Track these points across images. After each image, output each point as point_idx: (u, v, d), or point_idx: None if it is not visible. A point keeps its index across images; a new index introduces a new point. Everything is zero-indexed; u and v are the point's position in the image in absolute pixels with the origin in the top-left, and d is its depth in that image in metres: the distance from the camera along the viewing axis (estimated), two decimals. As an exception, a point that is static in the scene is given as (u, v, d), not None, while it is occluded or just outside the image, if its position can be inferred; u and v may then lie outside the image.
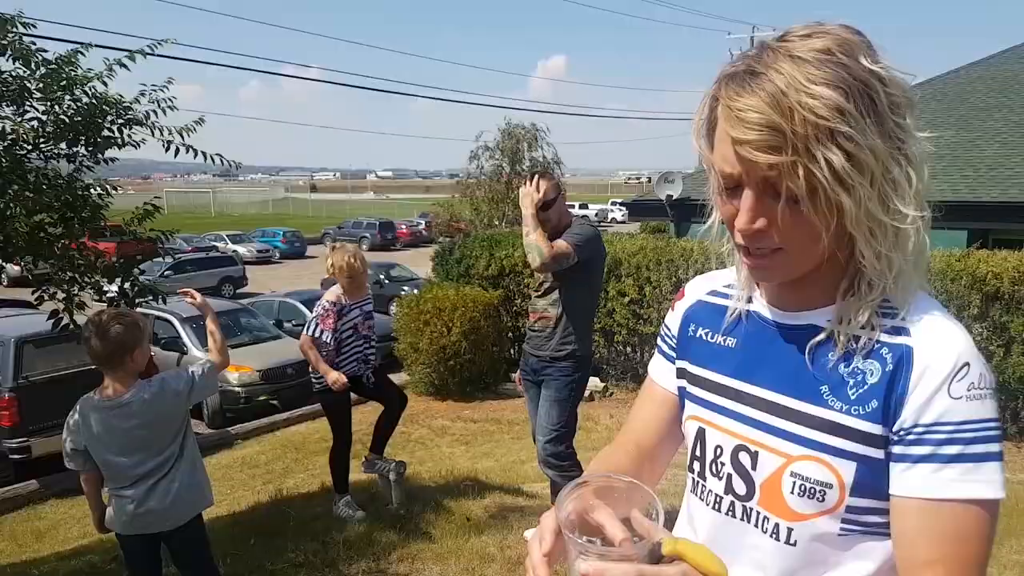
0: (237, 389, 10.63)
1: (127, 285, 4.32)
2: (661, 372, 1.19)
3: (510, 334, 10.13)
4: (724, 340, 1.07)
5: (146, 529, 2.92)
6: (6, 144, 3.86)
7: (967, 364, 0.86)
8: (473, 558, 3.93)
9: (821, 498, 0.91)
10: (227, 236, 34.42)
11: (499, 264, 9.97)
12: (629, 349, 9.47)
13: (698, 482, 1.06)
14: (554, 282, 3.82)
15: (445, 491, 5.25)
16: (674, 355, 1.16)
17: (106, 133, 4.18)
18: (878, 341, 0.91)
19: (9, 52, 3.80)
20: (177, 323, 11.38)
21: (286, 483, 6.29)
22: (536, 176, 3.73)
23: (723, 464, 1.02)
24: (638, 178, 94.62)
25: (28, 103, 3.98)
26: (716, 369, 1.06)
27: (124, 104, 4.19)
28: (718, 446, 1.02)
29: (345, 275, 4.53)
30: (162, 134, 4.36)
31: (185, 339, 11.23)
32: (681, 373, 1.13)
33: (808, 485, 0.92)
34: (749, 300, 1.06)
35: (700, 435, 1.06)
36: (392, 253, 32.42)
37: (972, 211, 9.28)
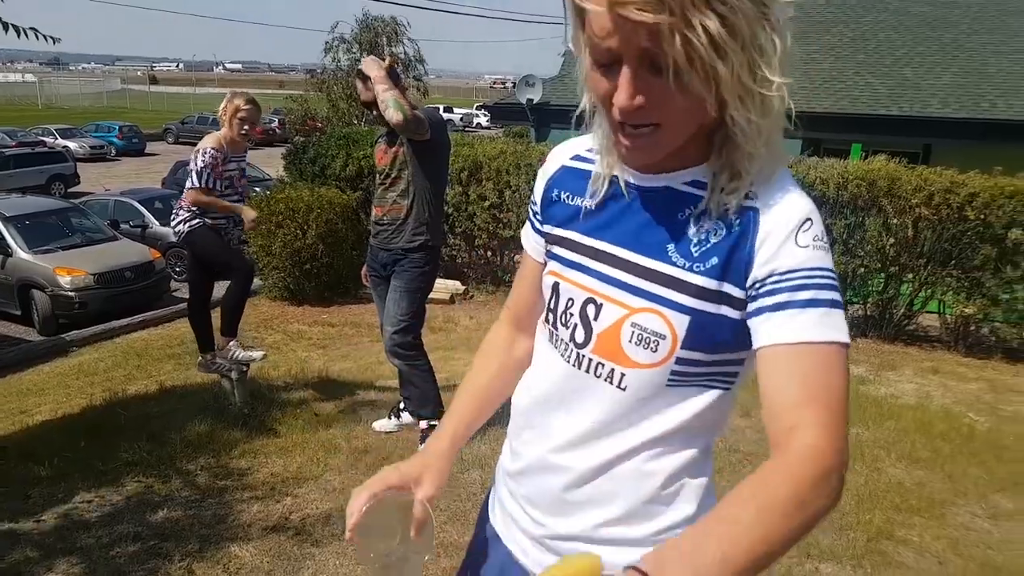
0: (70, 294, 9.94)
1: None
2: (529, 243, 1.23)
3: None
4: (583, 201, 1.09)
5: None
6: None
7: (809, 219, 0.92)
8: (319, 450, 3.97)
9: (654, 348, 0.97)
10: (56, 130, 31.59)
11: (357, 164, 9.67)
12: (489, 253, 9.56)
13: (552, 332, 1.12)
14: (402, 172, 3.82)
15: (294, 389, 5.21)
16: (539, 223, 1.19)
17: None
18: (727, 205, 0.94)
19: None
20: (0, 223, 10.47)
21: (127, 390, 6.04)
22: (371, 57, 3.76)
23: (572, 315, 1.07)
24: (504, 83, 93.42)
25: None
26: (575, 228, 1.10)
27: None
28: (570, 299, 1.07)
29: (233, 119, 4.38)
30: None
31: (9, 240, 10.35)
32: (547, 237, 1.16)
33: (644, 335, 0.98)
34: (610, 163, 1.07)
35: (555, 288, 1.11)
36: (243, 152, 30.78)
37: (806, 121, 9.74)
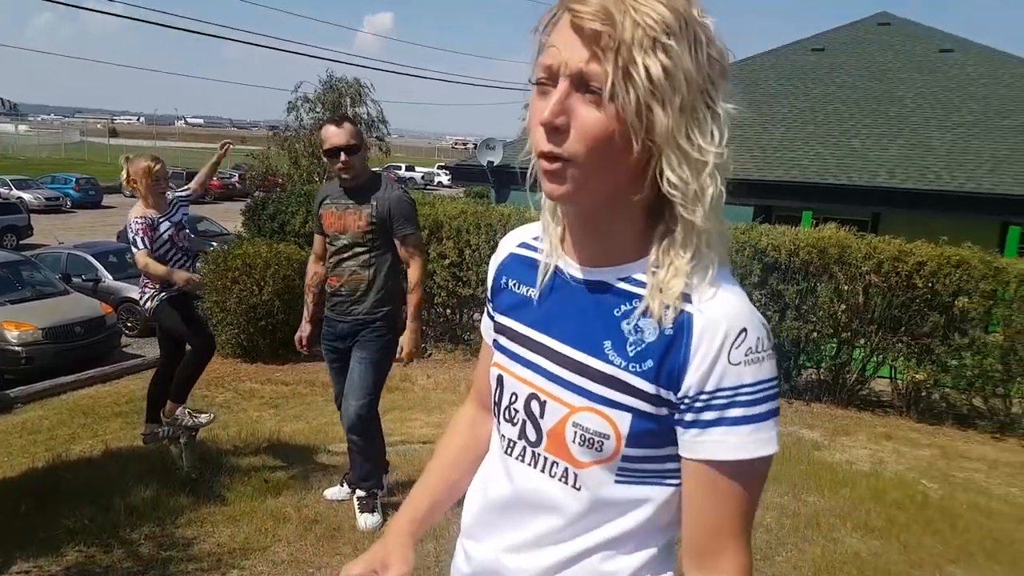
0: (17, 349, 9.66)
1: None
2: (485, 331, 1.23)
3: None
4: (528, 291, 1.09)
5: None
6: None
7: (744, 330, 0.90)
8: (267, 519, 3.83)
9: (599, 448, 0.95)
10: (11, 181, 31.06)
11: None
12: (448, 311, 9.57)
13: (496, 426, 1.11)
14: (365, 242, 3.71)
15: (244, 454, 5.06)
16: (492, 310, 1.19)
17: None
18: (665, 305, 0.93)
19: None
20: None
21: (71, 450, 5.83)
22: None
23: (517, 411, 1.05)
24: (465, 143, 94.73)
25: None
26: (518, 319, 1.09)
27: None
28: (514, 393, 1.06)
29: (149, 181, 4.26)
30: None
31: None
32: (495, 325, 1.16)
33: (587, 435, 0.96)
34: (555, 255, 1.06)
35: (500, 381, 1.09)
36: (201, 206, 30.45)
37: (758, 189, 10.11)
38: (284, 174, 22.70)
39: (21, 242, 21.66)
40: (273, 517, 3.87)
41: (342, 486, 4.18)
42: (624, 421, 0.94)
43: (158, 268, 4.22)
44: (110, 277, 13.26)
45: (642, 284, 0.96)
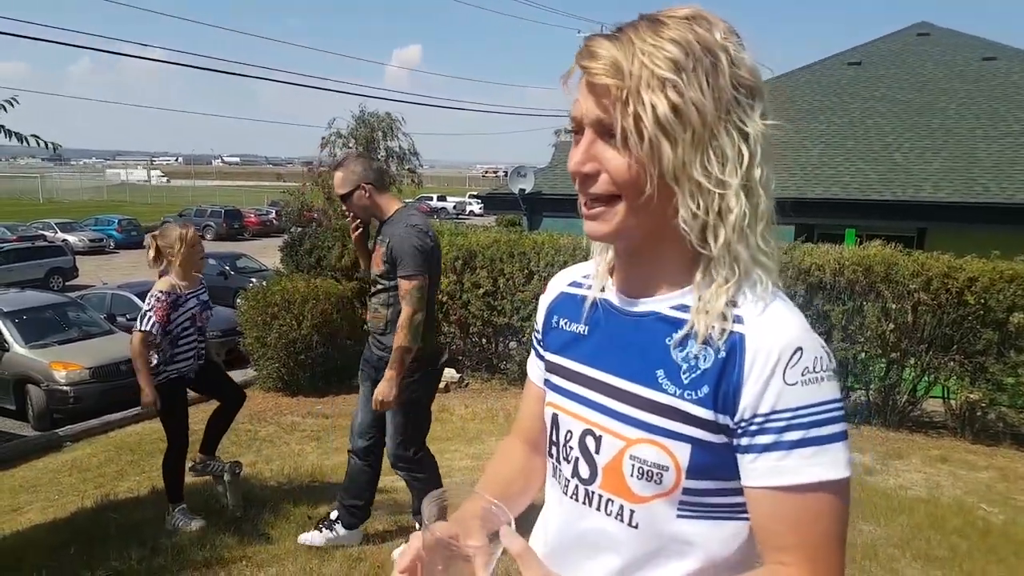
0: (65, 388, 9.83)
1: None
2: (531, 369, 1.23)
3: (366, 327, 9.98)
4: (578, 328, 1.08)
5: None
6: None
7: (799, 349, 0.87)
8: (312, 558, 3.79)
9: (659, 480, 0.93)
10: (56, 224, 32.01)
11: (353, 255, 9.74)
12: (484, 340, 9.56)
13: (556, 467, 1.08)
14: (382, 281, 3.61)
15: (287, 490, 5.06)
16: (541, 349, 1.18)
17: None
18: (711, 329, 0.91)
19: None
20: (-2, 318, 10.45)
21: (119, 487, 5.89)
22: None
23: (572, 448, 1.03)
24: (495, 171, 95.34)
25: None
26: (569, 356, 1.08)
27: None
28: (569, 431, 1.04)
29: (185, 253, 4.20)
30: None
31: (6, 335, 10.35)
32: (547, 364, 1.15)
33: (646, 468, 0.93)
34: (603, 289, 1.07)
35: (555, 421, 1.08)
36: (239, 243, 31.10)
37: (799, 207, 9.92)
38: (319, 209, 22.96)
39: (67, 283, 22.16)
40: (318, 555, 3.83)
41: (320, 531, 3.96)
42: (683, 452, 0.92)
43: (142, 365, 4.06)
44: (153, 315, 13.48)
45: (714, 314, 0.94)
